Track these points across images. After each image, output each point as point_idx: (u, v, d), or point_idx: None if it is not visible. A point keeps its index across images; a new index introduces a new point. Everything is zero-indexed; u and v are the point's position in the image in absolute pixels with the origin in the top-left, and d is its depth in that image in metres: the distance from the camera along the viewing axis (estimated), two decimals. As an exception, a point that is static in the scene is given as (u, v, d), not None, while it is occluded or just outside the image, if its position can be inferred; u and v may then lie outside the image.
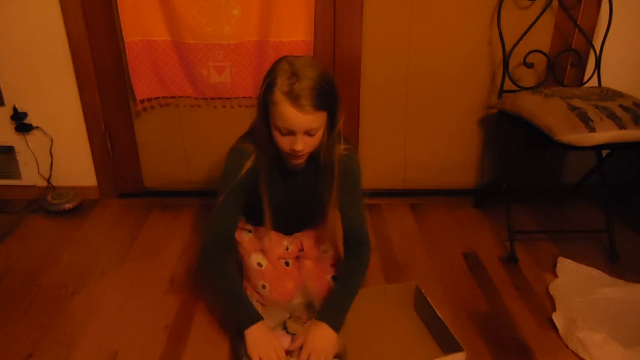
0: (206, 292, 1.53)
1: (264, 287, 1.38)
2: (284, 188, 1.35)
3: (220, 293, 1.32)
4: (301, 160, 1.25)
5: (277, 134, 1.18)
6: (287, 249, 1.46)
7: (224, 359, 1.28)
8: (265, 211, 1.32)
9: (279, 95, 1.12)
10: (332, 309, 1.29)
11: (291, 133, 1.15)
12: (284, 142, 1.18)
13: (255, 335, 1.22)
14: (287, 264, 1.44)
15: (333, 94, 1.16)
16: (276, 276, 1.40)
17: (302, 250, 1.48)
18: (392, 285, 1.44)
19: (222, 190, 1.31)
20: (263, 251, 1.44)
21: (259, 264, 1.42)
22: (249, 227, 1.49)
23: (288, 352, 1.24)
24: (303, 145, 1.16)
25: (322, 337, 1.22)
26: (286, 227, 1.47)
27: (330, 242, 1.48)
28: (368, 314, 1.40)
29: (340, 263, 1.45)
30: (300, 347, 1.21)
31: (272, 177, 1.32)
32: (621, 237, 1.80)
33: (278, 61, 1.17)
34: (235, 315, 1.28)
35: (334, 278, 1.42)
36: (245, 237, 1.47)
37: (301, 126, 1.14)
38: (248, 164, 1.28)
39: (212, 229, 1.33)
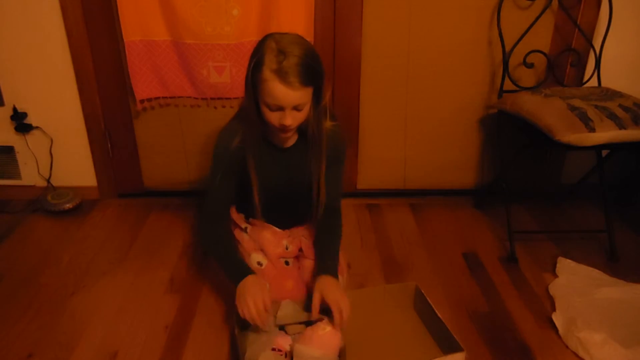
0: (206, 292, 1.53)
1: None
2: (276, 169, 1.37)
3: (217, 259, 1.39)
4: (290, 134, 1.29)
5: (266, 110, 1.21)
6: (286, 249, 1.46)
7: (224, 359, 1.28)
8: (255, 195, 1.35)
9: (267, 73, 1.15)
10: (329, 260, 1.36)
11: (280, 109, 1.19)
12: (273, 118, 1.22)
13: (242, 285, 1.26)
14: (287, 263, 1.44)
15: (319, 70, 1.21)
16: (276, 275, 1.40)
17: (301, 250, 1.48)
18: (392, 285, 1.44)
19: (213, 170, 1.36)
20: (263, 250, 1.44)
21: (259, 263, 1.42)
22: (245, 224, 1.49)
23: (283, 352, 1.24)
24: (292, 120, 1.20)
25: (336, 287, 1.28)
26: (280, 215, 1.47)
27: None
28: (368, 314, 1.40)
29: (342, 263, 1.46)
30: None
31: (262, 157, 1.35)
32: (621, 237, 1.80)
33: (264, 39, 1.19)
34: (229, 275, 1.33)
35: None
36: (245, 237, 1.47)
37: (290, 102, 1.17)
38: (236, 141, 1.31)
39: (208, 208, 1.40)
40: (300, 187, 1.41)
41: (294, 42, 1.17)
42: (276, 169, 1.38)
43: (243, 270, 1.31)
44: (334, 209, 1.46)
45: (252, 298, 1.21)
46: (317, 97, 1.25)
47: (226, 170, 1.35)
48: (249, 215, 1.49)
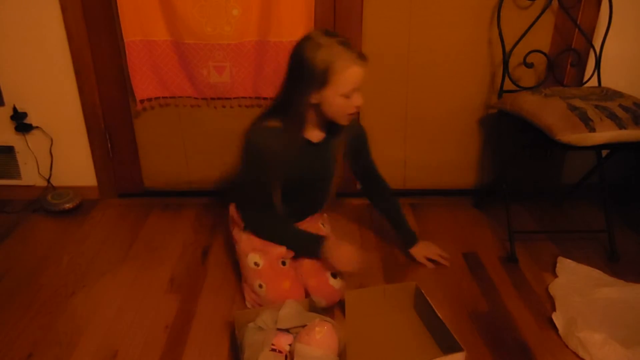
0: (206, 292, 1.53)
1: (260, 286, 1.39)
2: (306, 163, 1.42)
3: (286, 242, 1.45)
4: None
5: (341, 101, 1.30)
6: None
7: (224, 359, 1.28)
8: (278, 188, 1.40)
9: (345, 63, 1.25)
10: (405, 229, 1.68)
11: (354, 92, 1.30)
12: (349, 104, 1.31)
13: (329, 252, 1.40)
14: (283, 263, 1.44)
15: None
16: (273, 276, 1.40)
17: None
18: (392, 285, 1.44)
19: (256, 167, 1.39)
20: (261, 250, 1.44)
21: (256, 264, 1.42)
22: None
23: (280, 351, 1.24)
24: (362, 99, 1.33)
25: (427, 246, 1.67)
26: (299, 206, 1.50)
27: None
28: (368, 314, 1.40)
29: None
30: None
31: (298, 154, 1.39)
32: (621, 237, 1.80)
33: (312, 46, 1.26)
34: (304, 251, 1.45)
35: (333, 275, 1.42)
36: (243, 237, 1.47)
37: (362, 80, 1.30)
38: (278, 139, 1.35)
39: (258, 202, 1.43)
40: (326, 178, 1.48)
41: (332, 30, 1.36)
42: (306, 163, 1.42)
43: (315, 240, 1.43)
44: (377, 175, 1.66)
45: (345, 254, 1.39)
46: None
47: (271, 167, 1.37)
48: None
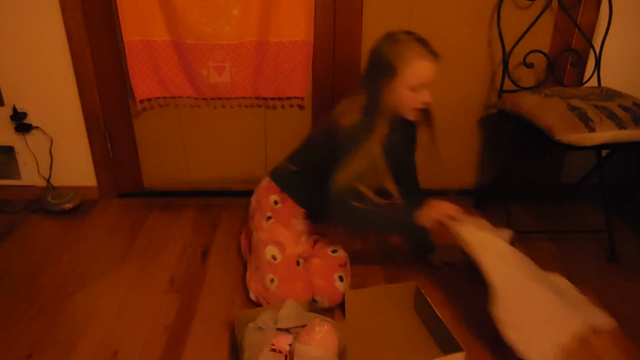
0: (206, 292, 1.53)
1: (272, 281, 1.39)
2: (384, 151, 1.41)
3: (376, 219, 1.40)
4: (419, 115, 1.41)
5: (408, 94, 1.32)
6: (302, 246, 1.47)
7: (224, 359, 1.28)
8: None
9: (416, 56, 1.29)
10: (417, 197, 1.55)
11: (422, 87, 1.32)
12: (415, 99, 1.34)
13: (421, 213, 1.38)
14: (298, 263, 1.44)
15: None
16: (287, 274, 1.40)
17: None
18: (392, 285, 1.44)
19: (351, 155, 1.37)
20: (281, 245, 1.44)
21: (274, 257, 1.42)
22: (269, 213, 1.49)
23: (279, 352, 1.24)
24: (430, 97, 1.35)
25: (434, 204, 1.42)
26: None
27: (341, 244, 1.55)
28: (368, 314, 1.40)
29: (347, 266, 1.51)
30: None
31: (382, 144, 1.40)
32: (621, 237, 1.80)
33: (386, 39, 1.34)
34: (399, 225, 1.45)
35: (340, 278, 1.43)
36: (265, 226, 1.47)
37: (432, 77, 1.32)
38: (369, 133, 1.37)
39: (344, 185, 1.37)
40: (400, 169, 1.48)
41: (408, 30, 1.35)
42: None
43: (406, 211, 1.39)
44: (416, 181, 1.67)
45: (438, 206, 1.38)
46: None
47: (363, 157, 1.37)
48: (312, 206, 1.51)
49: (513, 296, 1.23)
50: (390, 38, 1.34)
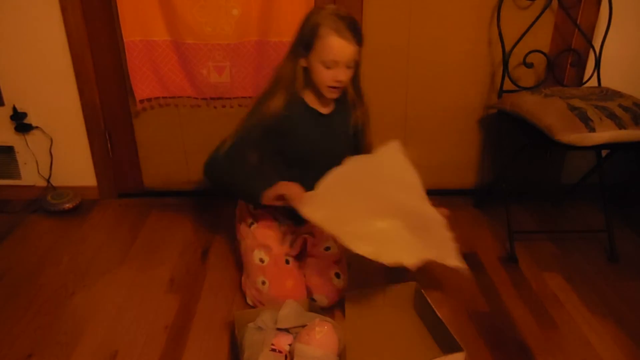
0: (206, 292, 1.53)
1: (263, 283, 1.39)
2: (317, 135, 1.42)
3: (234, 181, 1.41)
4: (338, 94, 1.39)
5: (320, 69, 1.32)
6: (291, 246, 1.46)
7: (224, 359, 1.28)
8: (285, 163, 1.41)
9: (327, 30, 1.28)
10: None
11: (335, 65, 1.31)
12: (328, 75, 1.32)
13: (270, 190, 1.33)
14: (287, 261, 1.44)
15: (362, 35, 1.33)
16: (276, 273, 1.40)
17: (305, 248, 1.49)
18: (392, 285, 1.44)
19: (251, 126, 1.39)
20: (267, 247, 1.44)
21: (261, 260, 1.42)
22: (251, 220, 1.49)
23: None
24: (345, 76, 1.33)
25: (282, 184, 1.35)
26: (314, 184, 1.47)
27: (333, 240, 1.50)
28: (368, 314, 1.40)
29: (343, 261, 1.49)
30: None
31: (304, 124, 1.41)
32: (621, 237, 1.80)
33: (313, 11, 1.35)
34: (246, 194, 1.43)
35: (337, 275, 1.42)
36: (249, 233, 1.47)
37: (346, 56, 1.30)
38: (280, 105, 1.36)
39: (231, 149, 1.40)
40: (336, 154, 1.43)
41: (341, 9, 1.33)
42: (318, 135, 1.43)
43: (264, 183, 1.35)
44: None
45: (282, 187, 1.32)
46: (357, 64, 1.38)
47: (266, 130, 1.38)
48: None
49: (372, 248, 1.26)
50: (316, 11, 1.34)
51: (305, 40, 1.32)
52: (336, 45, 1.28)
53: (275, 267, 1.42)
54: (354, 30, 1.29)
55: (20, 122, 1.93)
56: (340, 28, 1.28)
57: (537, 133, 1.55)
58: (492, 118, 1.96)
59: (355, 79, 1.43)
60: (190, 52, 1.77)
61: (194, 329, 1.38)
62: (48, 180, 2.05)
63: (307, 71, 1.36)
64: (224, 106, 1.92)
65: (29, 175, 2.05)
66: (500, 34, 1.76)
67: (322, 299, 1.40)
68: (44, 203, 1.98)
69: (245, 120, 1.42)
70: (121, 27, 1.74)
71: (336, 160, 1.43)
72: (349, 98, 1.46)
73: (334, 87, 1.35)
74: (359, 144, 1.55)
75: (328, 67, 1.31)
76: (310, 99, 1.42)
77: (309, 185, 1.47)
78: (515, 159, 1.84)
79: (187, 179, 2.06)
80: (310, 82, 1.38)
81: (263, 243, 1.45)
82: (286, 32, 1.75)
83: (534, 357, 1.29)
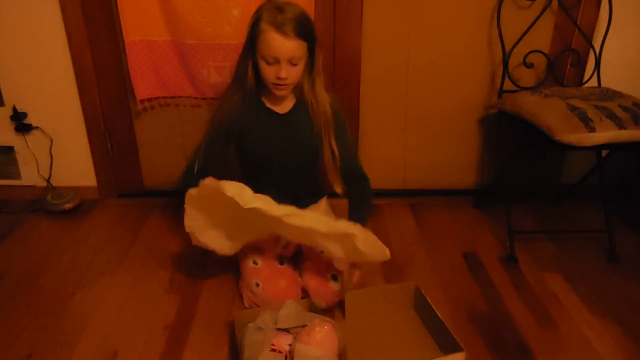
0: (206, 292, 1.53)
1: (257, 285, 1.39)
2: (274, 135, 1.41)
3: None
4: (285, 92, 1.36)
5: (263, 65, 1.30)
6: (285, 248, 1.46)
7: (224, 359, 1.28)
8: (246, 164, 1.42)
9: (265, 25, 1.25)
10: (356, 211, 1.43)
11: (276, 61, 1.28)
12: (270, 72, 1.30)
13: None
14: (281, 262, 1.44)
15: (311, 29, 1.30)
16: (269, 274, 1.40)
17: (300, 250, 1.48)
18: (392, 285, 1.44)
19: (208, 132, 1.43)
20: (260, 249, 1.44)
21: (255, 262, 1.43)
22: None
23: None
24: (287, 73, 1.28)
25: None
26: (283, 182, 1.49)
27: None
28: (368, 314, 1.40)
29: None
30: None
31: (260, 122, 1.40)
32: (621, 237, 1.80)
33: (260, 5, 1.31)
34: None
35: (333, 277, 1.42)
36: None
37: (285, 52, 1.26)
38: (235, 104, 1.37)
39: (195, 164, 1.44)
40: (298, 153, 1.42)
41: (289, 2, 1.29)
42: (275, 135, 1.42)
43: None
44: (359, 174, 1.50)
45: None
46: (310, 62, 1.35)
47: (221, 132, 1.40)
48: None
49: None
50: (262, 4, 1.31)
51: (250, 36, 1.30)
52: (274, 41, 1.25)
53: (268, 269, 1.42)
54: (296, 24, 1.24)
55: (20, 122, 1.93)
56: (279, 22, 1.24)
57: (537, 133, 1.55)
58: (492, 118, 1.96)
59: (310, 76, 1.38)
60: (190, 52, 1.77)
61: (194, 329, 1.38)
62: (48, 181, 2.05)
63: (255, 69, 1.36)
64: (224, 106, 1.92)
65: (29, 176, 2.05)
66: (500, 34, 1.76)
67: (320, 302, 1.40)
68: (44, 203, 1.98)
69: (209, 123, 1.45)
70: (121, 27, 1.74)
71: (296, 160, 1.45)
72: (306, 97, 1.41)
73: (279, 85, 1.32)
74: (335, 154, 1.44)
75: (269, 63, 1.29)
76: (267, 98, 1.42)
77: (270, 184, 1.48)
78: (515, 159, 1.84)
79: (187, 179, 2.06)
80: (261, 80, 1.37)
81: (256, 246, 1.46)
82: (286, 32, 1.75)
83: (534, 357, 1.29)
